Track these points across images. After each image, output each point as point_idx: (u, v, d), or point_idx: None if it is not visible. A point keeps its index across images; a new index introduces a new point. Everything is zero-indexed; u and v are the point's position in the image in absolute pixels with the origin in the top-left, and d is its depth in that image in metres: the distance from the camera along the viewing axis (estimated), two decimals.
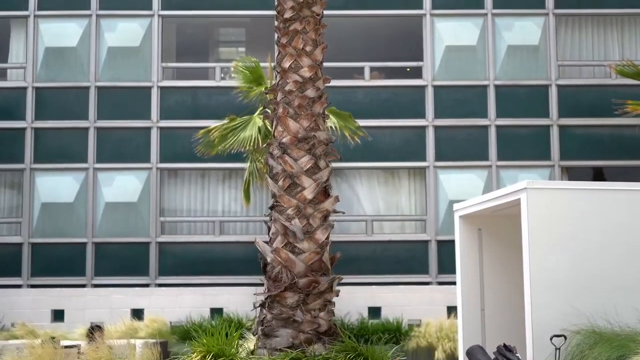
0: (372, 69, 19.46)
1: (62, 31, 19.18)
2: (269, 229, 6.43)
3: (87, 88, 19.04)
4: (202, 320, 17.11)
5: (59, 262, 18.63)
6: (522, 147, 19.08)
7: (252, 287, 15.05)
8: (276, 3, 7.80)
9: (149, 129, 19.01)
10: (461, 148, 19.06)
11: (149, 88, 19.11)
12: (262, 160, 8.33)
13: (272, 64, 14.33)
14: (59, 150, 18.94)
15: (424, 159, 19.08)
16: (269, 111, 7.38)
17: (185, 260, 18.66)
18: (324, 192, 6.34)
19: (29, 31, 19.14)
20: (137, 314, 17.86)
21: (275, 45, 7.97)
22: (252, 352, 6.22)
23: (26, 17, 19.20)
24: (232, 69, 18.17)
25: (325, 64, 8.29)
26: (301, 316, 6.09)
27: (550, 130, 19.13)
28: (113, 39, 19.17)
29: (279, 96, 6.97)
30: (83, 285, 18.51)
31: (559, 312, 10.47)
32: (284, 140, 6.50)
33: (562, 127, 19.14)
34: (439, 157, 19.04)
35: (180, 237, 18.84)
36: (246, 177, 16.73)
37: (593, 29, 19.76)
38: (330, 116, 15.88)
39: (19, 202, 18.93)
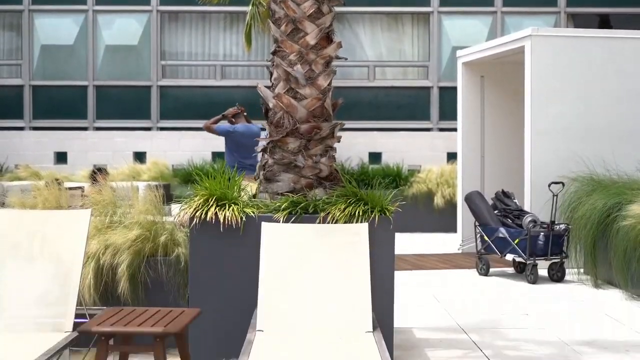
0: None
1: None
2: (271, 74, 6.38)
3: None
4: (203, 163, 17.27)
5: (60, 105, 18.65)
6: None
7: None
8: None
9: None
10: None
11: None
12: (264, 4, 8.17)
13: None
14: None
15: (428, 4, 18.78)
16: None
17: (186, 104, 18.67)
18: (327, 37, 6.24)
19: None
20: (140, 157, 18.01)
21: None
22: (254, 196, 6.29)
23: None
24: None
25: None
26: (302, 161, 6.12)
27: None
28: None
29: None
30: (85, 128, 18.60)
31: (557, 160, 10.57)
32: None
33: None
34: (443, 2, 18.73)
35: (181, 81, 18.78)
36: (248, 21, 16.37)
37: None
38: None
39: (18, 44, 18.77)
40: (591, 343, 6.55)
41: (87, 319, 5.44)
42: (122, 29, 18.67)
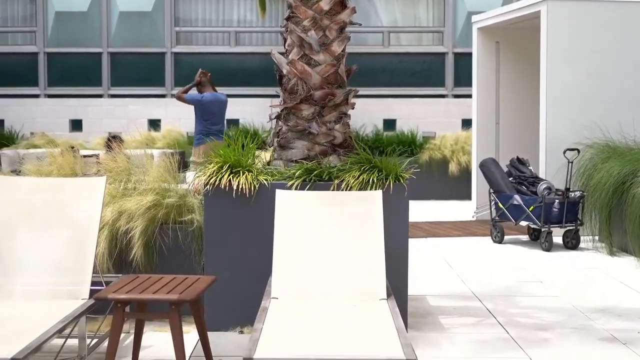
0: None
1: None
2: (285, 40, 6.35)
3: None
4: None
5: (75, 72, 18.65)
6: None
7: (267, 98, 15.07)
8: None
9: None
10: None
11: None
12: None
13: None
14: None
15: None
16: None
17: None
18: (341, 3, 6.20)
19: None
20: (154, 124, 18.02)
21: None
22: (268, 164, 6.29)
23: None
24: None
25: None
26: (316, 128, 6.11)
27: None
28: None
29: None
30: (100, 96, 18.60)
31: (573, 126, 10.51)
32: None
33: None
34: None
35: (195, 48, 18.72)
36: None
37: None
38: None
39: (32, 11, 18.74)
40: (605, 310, 6.55)
41: (102, 286, 5.48)
42: None
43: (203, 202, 5.91)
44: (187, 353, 5.23)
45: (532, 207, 9.72)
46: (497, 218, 10.26)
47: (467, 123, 16.45)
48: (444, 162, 15.44)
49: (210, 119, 11.55)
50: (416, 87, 18.53)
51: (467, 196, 13.24)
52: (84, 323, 4.82)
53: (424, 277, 7.96)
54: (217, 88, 11.89)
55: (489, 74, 12.40)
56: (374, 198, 5.33)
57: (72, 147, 12.50)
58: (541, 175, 10.53)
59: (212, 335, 5.42)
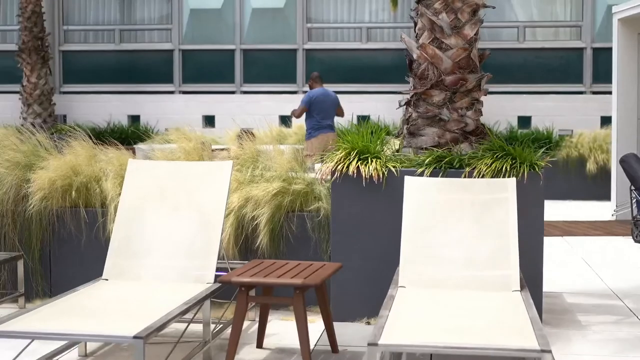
0: None
1: None
2: (415, 24, 6.16)
3: None
4: (350, 126, 17.16)
5: (208, 69, 18.94)
6: None
7: (398, 94, 14.88)
8: None
9: None
10: None
11: None
12: None
13: None
14: None
15: None
16: None
17: (331, 67, 18.58)
18: None
19: None
20: (285, 120, 18.10)
21: None
22: (397, 151, 6.13)
23: None
24: None
25: None
26: (447, 114, 5.90)
27: None
28: None
29: None
30: (232, 92, 18.83)
31: None
32: None
33: None
34: None
35: (326, 44, 18.71)
36: None
37: None
38: None
39: (168, 9, 19.14)
40: None
41: (228, 272, 5.43)
42: None
43: (330, 189, 5.79)
44: (312, 342, 5.11)
45: None
46: (638, 216, 9.76)
47: (606, 120, 15.83)
48: (582, 161, 14.91)
49: (321, 114, 11.97)
50: (552, 84, 17.96)
51: (605, 197, 12.71)
52: (209, 308, 4.77)
53: (561, 274, 7.63)
54: (327, 85, 12.48)
55: (631, 67, 11.87)
56: (508, 186, 5.09)
57: (203, 143, 12.63)
58: None
59: (338, 326, 5.30)
